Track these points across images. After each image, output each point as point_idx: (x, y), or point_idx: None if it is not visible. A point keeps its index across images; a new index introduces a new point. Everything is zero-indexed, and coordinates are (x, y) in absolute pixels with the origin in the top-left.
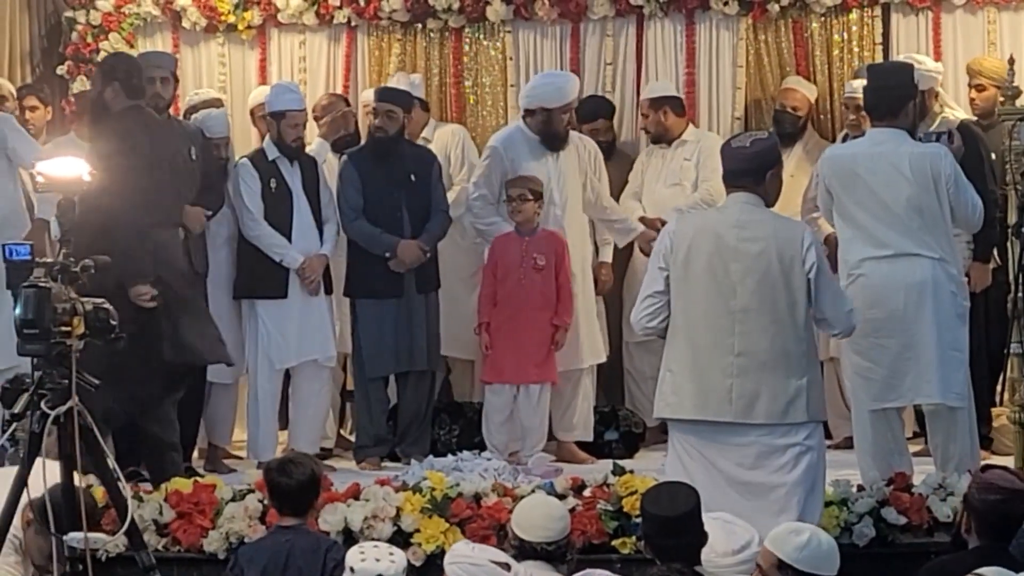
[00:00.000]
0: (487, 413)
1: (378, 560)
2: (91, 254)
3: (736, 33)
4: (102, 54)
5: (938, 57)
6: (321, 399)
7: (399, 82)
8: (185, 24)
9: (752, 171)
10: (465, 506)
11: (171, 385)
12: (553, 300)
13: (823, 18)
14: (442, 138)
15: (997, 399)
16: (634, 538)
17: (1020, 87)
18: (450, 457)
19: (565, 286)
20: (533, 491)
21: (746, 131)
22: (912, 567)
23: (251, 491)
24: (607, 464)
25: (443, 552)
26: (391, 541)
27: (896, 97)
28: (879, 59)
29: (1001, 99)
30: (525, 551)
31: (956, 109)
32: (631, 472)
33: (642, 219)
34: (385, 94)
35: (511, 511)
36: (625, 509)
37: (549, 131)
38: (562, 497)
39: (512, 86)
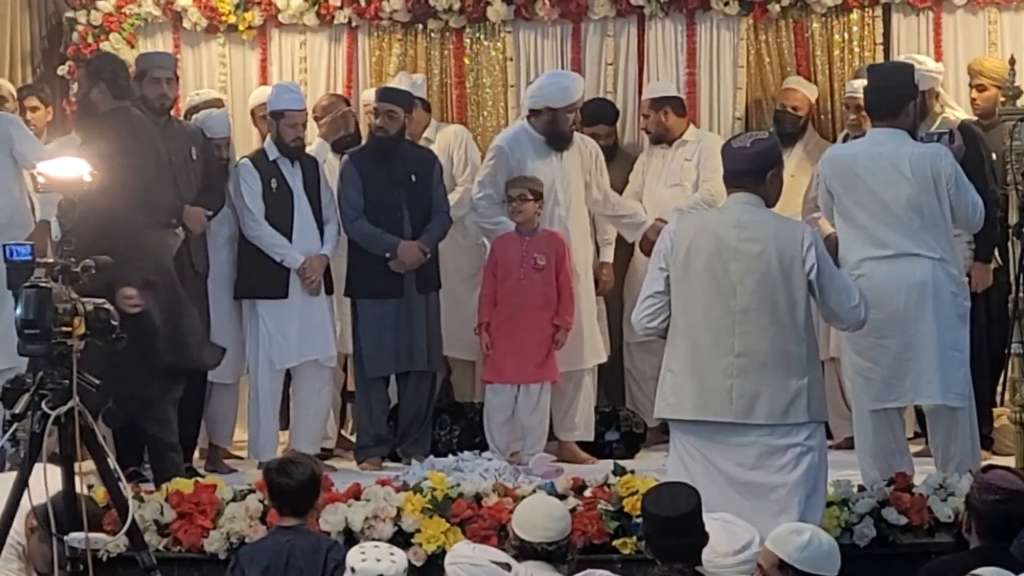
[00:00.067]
0: (488, 413)
1: (379, 560)
2: (90, 255)
3: (737, 33)
4: None
5: (939, 57)
6: (322, 399)
7: (401, 82)
8: (186, 24)
9: (753, 171)
10: (466, 506)
11: (168, 385)
12: (553, 300)
13: (824, 18)
14: (444, 139)
15: (998, 399)
16: (635, 538)
17: (1021, 87)
18: (451, 457)
19: (566, 286)
20: (534, 491)
21: (747, 131)
22: (913, 567)
23: (252, 491)
24: (608, 464)
25: (444, 552)
26: (392, 541)
27: (897, 97)
28: (880, 59)
29: (1002, 99)
30: (526, 551)
31: (957, 109)
32: (632, 472)
33: None
34: (386, 94)
35: (512, 511)
36: (626, 509)
37: (554, 131)
38: (563, 497)
39: (512, 86)
